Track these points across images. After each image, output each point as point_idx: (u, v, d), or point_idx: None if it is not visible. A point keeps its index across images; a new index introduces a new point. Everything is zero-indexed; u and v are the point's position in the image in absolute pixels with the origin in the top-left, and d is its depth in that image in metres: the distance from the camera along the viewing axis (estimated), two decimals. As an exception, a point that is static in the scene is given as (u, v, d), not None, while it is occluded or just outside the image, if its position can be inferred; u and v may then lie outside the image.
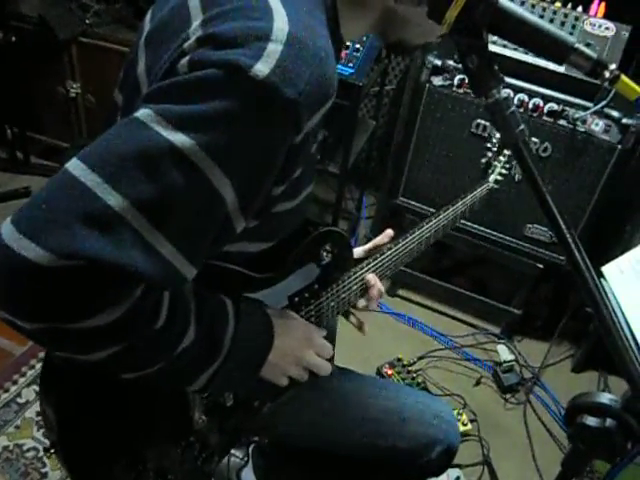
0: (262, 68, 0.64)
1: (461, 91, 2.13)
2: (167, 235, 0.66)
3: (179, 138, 0.64)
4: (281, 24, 0.66)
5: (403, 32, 0.86)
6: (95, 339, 0.69)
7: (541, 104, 2.04)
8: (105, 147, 0.65)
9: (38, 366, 2.17)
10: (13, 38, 2.65)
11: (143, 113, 0.66)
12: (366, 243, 1.27)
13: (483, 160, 1.50)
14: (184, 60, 0.67)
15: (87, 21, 2.61)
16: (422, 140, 2.27)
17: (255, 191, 0.72)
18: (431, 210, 2.35)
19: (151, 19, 0.84)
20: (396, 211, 2.48)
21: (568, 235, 0.71)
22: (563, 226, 0.71)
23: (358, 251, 1.26)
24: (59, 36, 2.56)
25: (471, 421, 2.17)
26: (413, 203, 2.40)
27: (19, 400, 2.06)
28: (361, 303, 1.20)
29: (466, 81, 2.11)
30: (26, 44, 2.71)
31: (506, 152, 1.46)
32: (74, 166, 0.64)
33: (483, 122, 2.13)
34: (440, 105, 2.18)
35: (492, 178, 1.47)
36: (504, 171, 1.48)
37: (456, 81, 2.13)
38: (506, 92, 0.69)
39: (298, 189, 0.85)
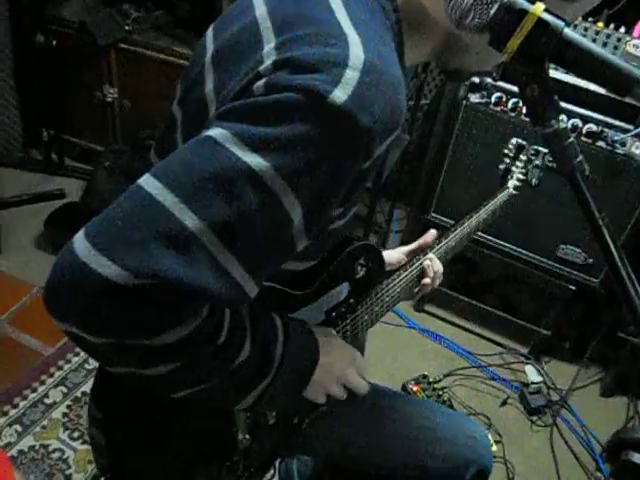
0: (340, 94, 0.64)
1: (498, 109, 2.12)
2: (238, 257, 0.66)
3: (255, 160, 0.64)
4: (357, 51, 0.66)
5: (462, 59, 0.86)
6: (159, 355, 0.70)
7: (580, 124, 2.02)
8: (181, 166, 0.65)
9: (66, 367, 2.19)
10: (54, 42, 2.70)
11: (219, 133, 0.65)
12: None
13: (501, 167, 1.50)
14: (260, 82, 0.67)
15: (126, 28, 2.65)
16: (456, 157, 2.25)
17: (321, 213, 0.72)
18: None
19: (214, 37, 0.84)
20: (427, 227, 2.45)
21: (623, 270, 0.70)
22: (618, 261, 0.70)
23: (403, 250, 1.27)
24: (99, 42, 2.60)
25: (496, 442, 2.15)
26: (444, 219, 2.38)
27: (46, 401, 2.08)
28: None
29: (504, 99, 2.10)
30: (66, 48, 2.76)
31: (522, 157, 1.47)
32: (149, 184, 0.65)
33: (520, 141, 2.11)
34: (476, 123, 2.16)
35: (511, 184, 1.47)
36: (522, 176, 1.49)
37: (493, 99, 2.11)
38: (565, 122, 0.68)
39: (350, 208, 0.85)
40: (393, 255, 1.27)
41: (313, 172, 0.66)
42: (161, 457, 0.93)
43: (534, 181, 1.51)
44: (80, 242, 0.63)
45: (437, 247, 1.25)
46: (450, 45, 0.83)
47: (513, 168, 1.49)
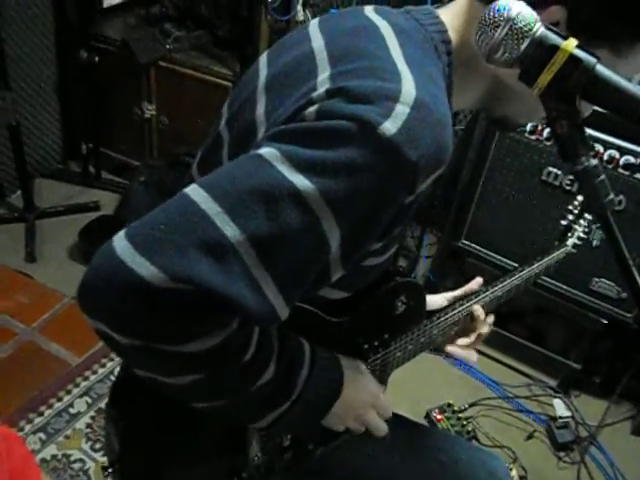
0: (390, 127, 0.65)
1: (533, 137, 2.10)
2: (273, 275, 0.66)
3: (301, 181, 0.65)
4: (409, 88, 0.68)
5: (507, 109, 0.87)
6: (184, 364, 0.70)
7: (617, 156, 1.99)
8: (228, 179, 0.66)
9: (92, 378, 2.22)
10: (96, 58, 2.77)
11: (268, 152, 0.66)
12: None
13: (563, 222, 1.44)
14: (312, 108, 0.69)
15: (167, 46, 2.70)
16: (490, 184, 2.24)
17: (359, 243, 0.73)
18: (493, 255, 2.32)
19: (268, 63, 0.85)
20: (457, 253, 2.44)
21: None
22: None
23: (447, 296, 1.25)
24: (140, 59, 2.66)
25: (521, 477, 2.10)
26: (475, 247, 2.36)
27: (71, 410, 2.10)
28: (462, 341, 1.19)
29: (539, 127, 2.08)
30: (108, 65, 2.83)
31: (587, 216, 1.42)
32: (195, 192, 0.66)
33: (555, 170, 2.09)
34: (511, 150, 2.15)
35: (571, 242, 1.42)
36: (583, 235, 1.43)
37: (529, 127, 2.09)
38: (596, 160, 0.67)
39: (389, 246, 0.85)
40: (436, 299, 1.25)
41: (356, 199, 0.67)
42: (170, 464, 0.94)
43: (595, 242, 1.44)
44: (120, 241, 0.64)
45: (483, 295, 1.21)
46: (496, 94, 0.84)
47: (575, 226, 1.43)
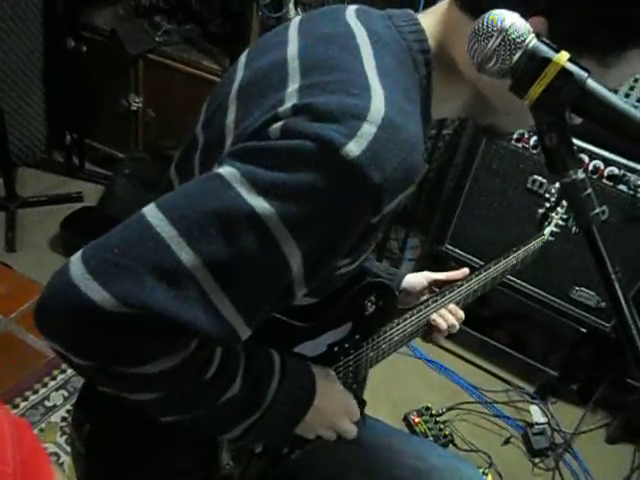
0: (353, 148, 0.63)
1: (520, 145, 2.11)
2: (231, 297, 0.65)
3: (260, 204, 0.63)
4: (378, 104, 0.66)
5: (493, 118, 0.86)
6: (142, 384, 0.69)
7: (601, 167, 2.00)
8: (186, 200, 0.65)
9: (69, 371, 2.19)
10: (84, 48, 2.75)
11: (229, 172, 0.65)
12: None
13: (540, 211, 1.43)
14: (277, 125, 0.66)
15: (157, 39, 2.68)
16: (475, 190, 2.25)
17: (323, 263, 0.71)
18: (476, 261, 2.33)
19: (246, 65, 0.83)
20: (440, 258, 2.45)
21: (632, 326, 0.68)
22: (628, 316, 0.68)
23: (427, 276, 1.24)
24: (128, 51, 2.64)
25: (496, 482, 2.11)
26: (459, 252, 2.37)
27: (47, 403, 2.08)
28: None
29: (525, 135, 2.09)
30: (95, 55, 2.80)
31: (564, 203, 1.41)
32: (152, 214, 0.64)
33: (540, 178, 2.10)
34: (497, 157, 2.16)
35: (548, 230, 1.41)
36: (561, 223, 1.42)
37: (515, 135, 2.10)
38: (583, 174, 0.67)
39: (360, 257, 0.84)
40: (417, 277, 1.25)
41: (317, 223, 0.66)
42: (135, 474, 0.93)
43: (574, 229, 1.43)
44: (75, 264, 0.63)
45: (457, 290, 1.21)
46: (479, 104, 0.83)
47: (552, 214, 1.42)
